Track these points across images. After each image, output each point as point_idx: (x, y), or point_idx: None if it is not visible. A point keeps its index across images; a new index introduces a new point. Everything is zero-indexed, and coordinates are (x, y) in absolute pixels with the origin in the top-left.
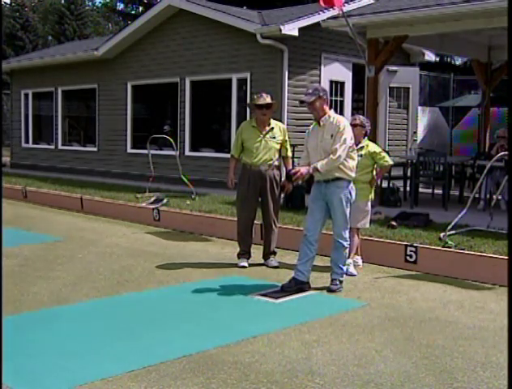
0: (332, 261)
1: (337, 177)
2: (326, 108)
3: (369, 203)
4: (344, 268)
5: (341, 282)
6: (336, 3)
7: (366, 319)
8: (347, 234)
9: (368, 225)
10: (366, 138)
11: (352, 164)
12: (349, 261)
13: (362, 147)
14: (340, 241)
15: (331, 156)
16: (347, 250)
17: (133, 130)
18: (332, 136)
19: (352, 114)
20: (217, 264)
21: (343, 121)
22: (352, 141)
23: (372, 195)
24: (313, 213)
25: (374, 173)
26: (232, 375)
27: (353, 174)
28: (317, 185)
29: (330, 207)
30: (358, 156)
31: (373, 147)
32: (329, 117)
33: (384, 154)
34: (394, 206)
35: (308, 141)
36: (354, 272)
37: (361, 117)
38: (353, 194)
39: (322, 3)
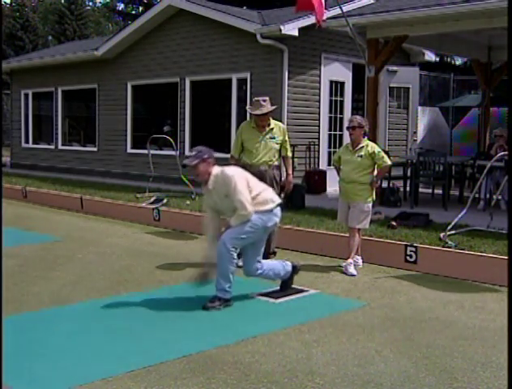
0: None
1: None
2: (212, 169)
3: (370, 205)
4: (226, 286)
5: (223, 300)
6: (318, 13)
7: (366, 319)
8: (230, 244)
9: (368, 226)
10: (366, 138)
11: (260, 199)
12: (349, 261)
13: (362, 148)
14: (226, 244)
15: (238, 211)
16: (233, 259)
17: (133, 130)
18: (227, 196)
19: (352, 115)
20: None
21: (229, 174)
22: (248, 183)
23: (373, 196)
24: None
25: (375, 173)
26: (232, 375)
27: (268, 206)
28: None
29: None
30: (358, 156)
31: (372, 148)
32: (214, 177)
33: (383, 154)
34: (394, 206)
35: (209, 204)
36: (354, 272)
37: (358, 117)
38: (275, 219)
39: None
